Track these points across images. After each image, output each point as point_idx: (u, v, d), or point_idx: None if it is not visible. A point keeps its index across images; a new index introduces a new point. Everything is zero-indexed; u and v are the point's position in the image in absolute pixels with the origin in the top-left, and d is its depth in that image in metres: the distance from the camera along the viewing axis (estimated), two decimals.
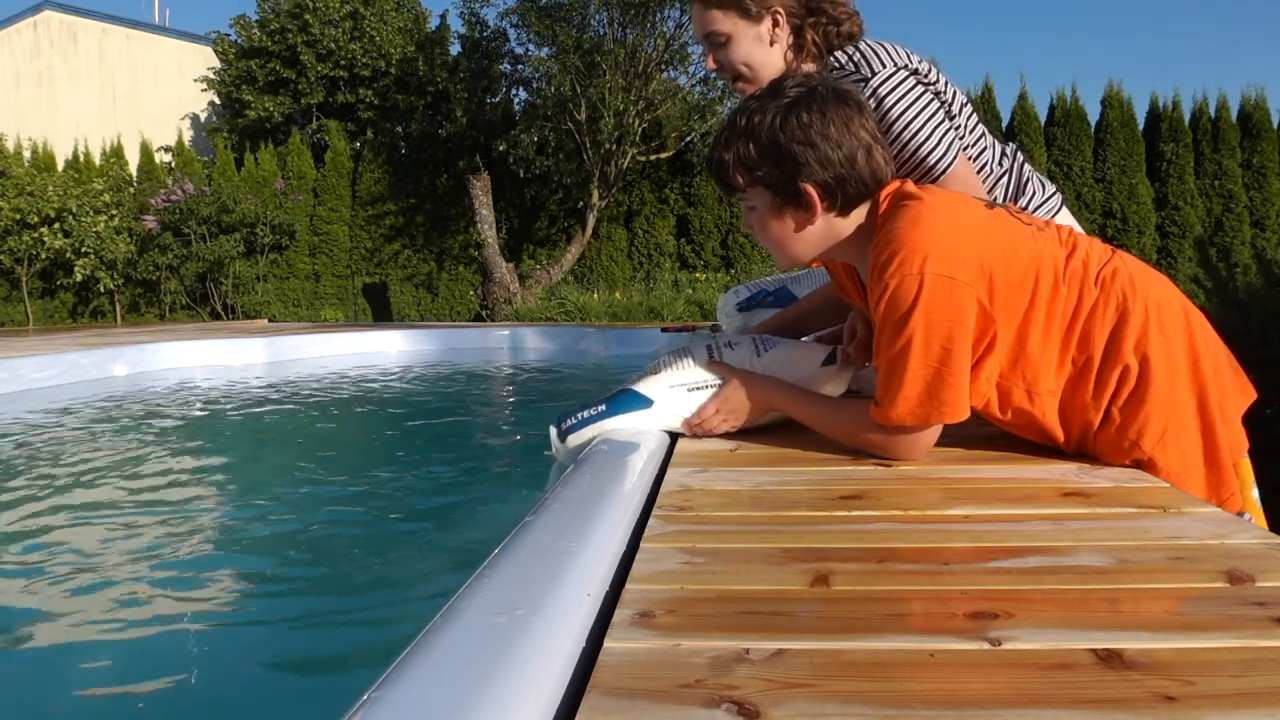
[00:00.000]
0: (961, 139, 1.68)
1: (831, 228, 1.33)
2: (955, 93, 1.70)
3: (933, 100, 1.61)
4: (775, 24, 1.65)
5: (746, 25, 1.64)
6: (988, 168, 1.74)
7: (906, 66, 1.61)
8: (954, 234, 1.23)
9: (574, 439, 1.53)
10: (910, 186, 1.32)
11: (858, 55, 1.62)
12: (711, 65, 1.72)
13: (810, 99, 1.27)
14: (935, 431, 1.31)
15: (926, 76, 1.64)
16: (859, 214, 1.32)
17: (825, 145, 1.26)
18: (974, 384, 1.29)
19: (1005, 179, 1.76)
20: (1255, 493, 1.33)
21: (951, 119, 1.66)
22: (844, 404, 1.47)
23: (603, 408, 1.52)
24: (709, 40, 1.69)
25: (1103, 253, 1.32)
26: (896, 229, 1.24)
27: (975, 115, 1.75)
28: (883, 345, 1.27)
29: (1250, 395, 1.32)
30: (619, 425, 1.53)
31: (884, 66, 1.59)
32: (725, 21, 1.65)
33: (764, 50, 1.66)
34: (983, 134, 1.75)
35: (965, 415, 1.27)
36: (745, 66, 1.66)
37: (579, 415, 1.53)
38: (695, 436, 1.54)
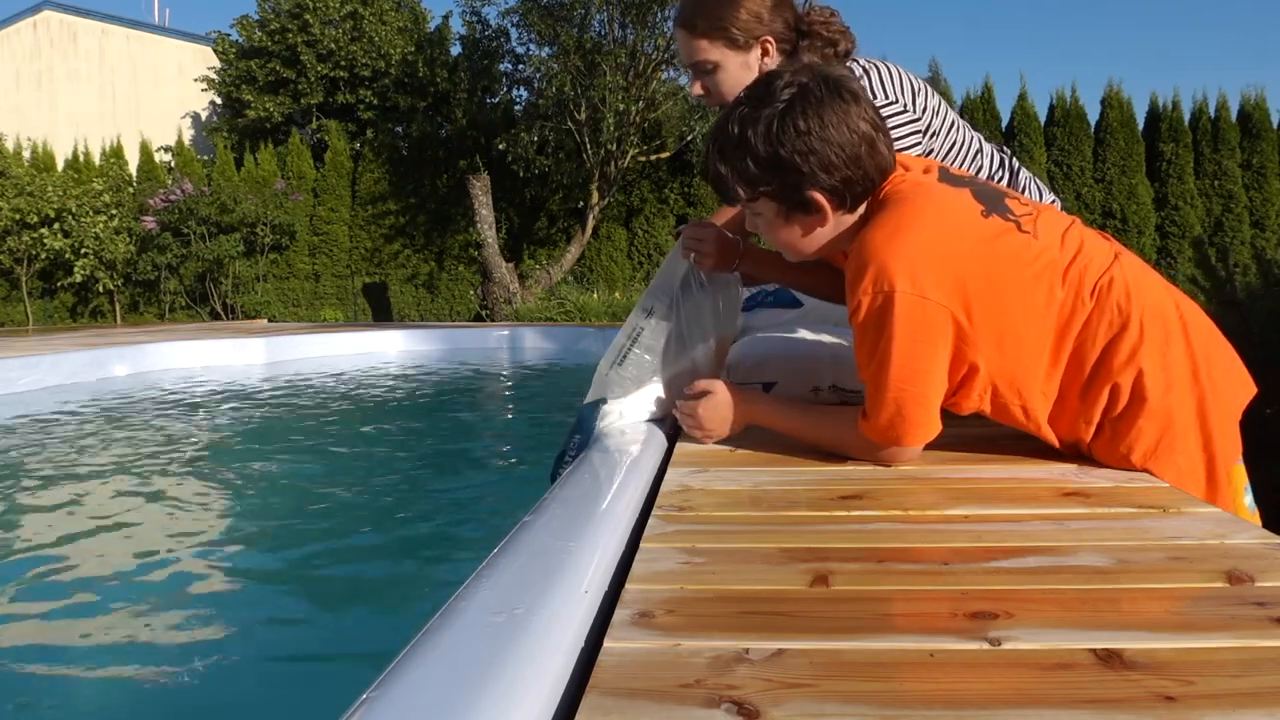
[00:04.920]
0: (962, 150, 1.74)
1: (840, 224, 1.30)
2: (946, 113, 1.74)
3: (910, 135, 1.66)
4: (765, 53, 1.64)
5: (734, 54, 1.63)
6: (983, 174, 1.78)
7: (898, 101, 1.65)
8: (932, 249, 1.19)
9: None
10: (906, 182, 1.28)
11: (864, 80, 1.65)
12: (697, 91, 1.71)
13: (804, 100, 1.21)
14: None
15: (915, 99, 1.68)
16: (861, 208, 1.30)
17: (826, 150, 1.20)
18: (965, 401, 1.28)
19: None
20: (1249, 499, 1.31)
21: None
22: (828, 411, 1.44)
23: (578, 437, 1.53)
24: (696, 68, 1.68)
25: (1104, 260, 1.27)
26: (874, 240, 1.21)
27: (966, 130, 1.79)
28: (861, 361, 1.26)
29: (1250, 390, 1.29)
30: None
31: (876, 99, 1.62)
32: (713, 50, 1.64)
33: (751, 78, 1.64)
34: (978, 150, 1.79)
35: (933, 435, 1.27)
36: (732, 96, 1.65)
37: (566, 458, 1.54)
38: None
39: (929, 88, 1.75)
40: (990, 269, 1.21)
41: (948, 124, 1.75)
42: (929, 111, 1.72)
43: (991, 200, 1.28)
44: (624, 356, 1.54)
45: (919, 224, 1.21)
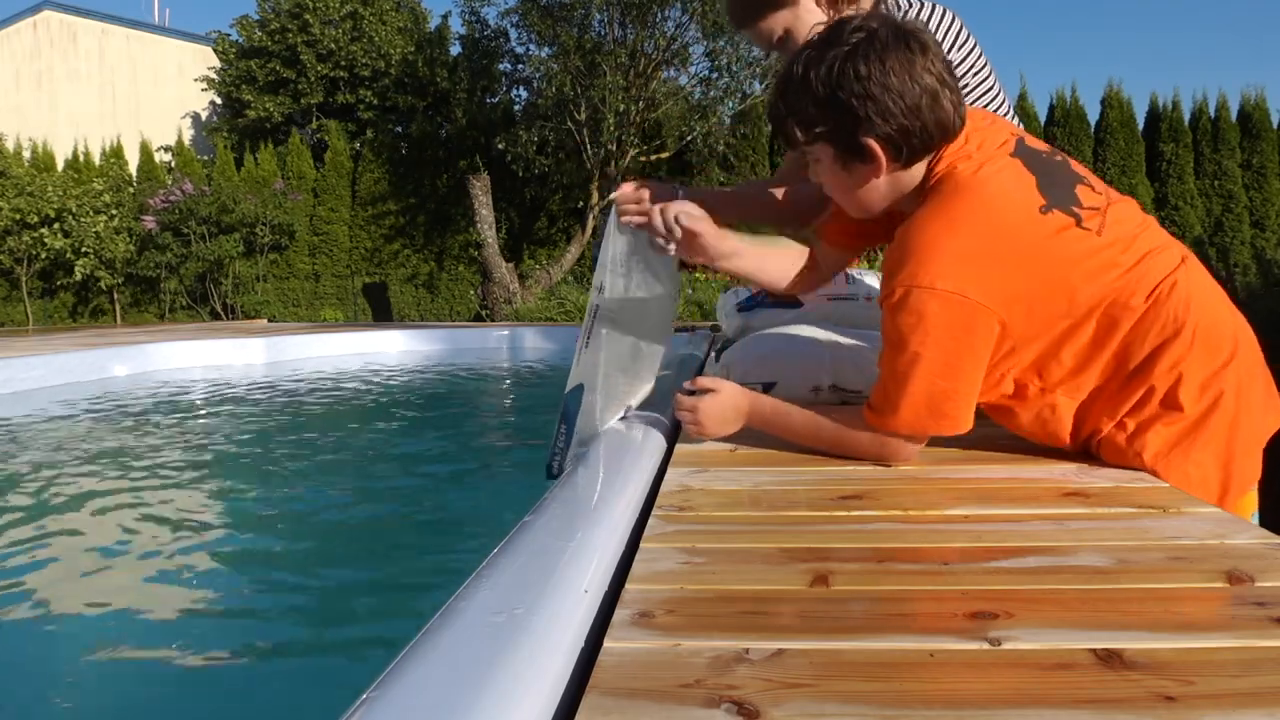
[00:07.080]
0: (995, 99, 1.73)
1: (896, 181, 1.27)
2: (985, 76, 1.71)
3: None
4: None
5: (790, 11, 1.64)
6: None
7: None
8: (981, 249, 1.17)
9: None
10: (966, 169, 1.22)
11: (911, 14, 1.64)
12: None
13: (869, 46, 1.17)
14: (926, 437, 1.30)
15: (953, 51, 1.65)
16: (920, 168, 1.26)
17: (886, 97, 1.17)
18: (992, 386, 1.26)
19: None
20: (1254, 522, 1.29)
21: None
22: (830, 411, 1.43)
23: (564, 427, 1.52)
24: (778, 47, 1.68)
25: (1168, 263, 1.24)
26: (924, 232, 1.19)
27: (1004, 103, 1.76)
28: (887, 352, 1.24)
29: (1279, 417, 1.27)
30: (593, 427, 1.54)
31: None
32: (777, 21, 1.65)
33: (818, 15, 1.64)
34: (1009, 110, 1.76)
35: (966, 428, 1.25)
36: None
37: (555, 449, 1.53)
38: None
39: (977, 45, 1.71)
40: (1039, 268, 1.19)
41: (983, 88, 1.72)
42: (965, 65, 1.69)
43: (1058, 191, 1.23)
44: (589, 336, 1.53)
45: (971, 222, 1.19)
